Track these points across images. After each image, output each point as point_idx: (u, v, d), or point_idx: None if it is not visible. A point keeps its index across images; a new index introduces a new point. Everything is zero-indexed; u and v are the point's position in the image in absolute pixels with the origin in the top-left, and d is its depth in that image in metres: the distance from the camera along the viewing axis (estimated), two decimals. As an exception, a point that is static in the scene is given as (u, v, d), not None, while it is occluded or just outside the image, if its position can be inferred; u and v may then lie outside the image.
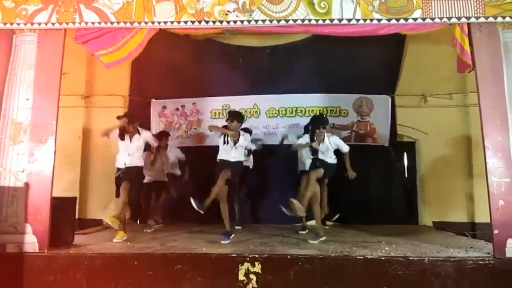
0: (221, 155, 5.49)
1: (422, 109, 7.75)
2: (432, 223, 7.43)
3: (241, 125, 5.63)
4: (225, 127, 5.59)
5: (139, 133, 5.80)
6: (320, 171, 5.47)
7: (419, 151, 7.94)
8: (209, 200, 5.20)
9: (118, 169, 5.79)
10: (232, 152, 5.45)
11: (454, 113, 7.63)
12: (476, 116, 4.92)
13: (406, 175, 7.89)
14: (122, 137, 5.71)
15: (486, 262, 4.31)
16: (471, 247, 4.94)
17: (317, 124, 5.60)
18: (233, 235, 5.40)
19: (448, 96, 7.68)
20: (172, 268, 4.40)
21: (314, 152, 5.61)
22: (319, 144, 5.55)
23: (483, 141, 4.70)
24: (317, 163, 5.55)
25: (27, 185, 4.76)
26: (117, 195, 5.81)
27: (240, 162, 5.56)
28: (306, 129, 6.04)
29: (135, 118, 5.89)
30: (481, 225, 6.52)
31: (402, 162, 7.90)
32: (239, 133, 5.53)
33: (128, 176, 5.61)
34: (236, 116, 5.52)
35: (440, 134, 7.62)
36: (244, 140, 5.56)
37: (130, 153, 5.70)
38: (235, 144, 5.46)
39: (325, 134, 5.60)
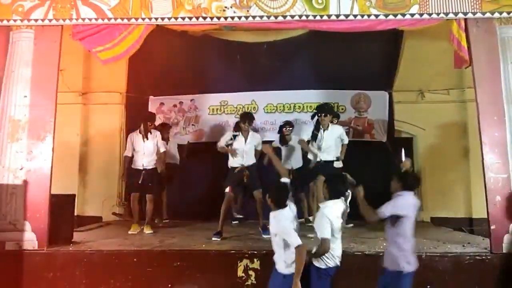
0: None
1: (419, 105, 7.76)
2: (430, 218, 7.46)
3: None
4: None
5: (150, 133, 6.01)
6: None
7: (416, 146, 7.96)
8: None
9: (137, 170, 5.95)
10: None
11: (451, 108, 7.64)
12: (474, 112, 4.94)
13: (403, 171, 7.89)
14: (146, 137, 5.97)
15: (483, 257, 4.35)
16: (468, 243, 4.97)
17: (319, 111, 5.91)
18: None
19: (446, 92, 7.68)
20: (171, 265, 4.42)
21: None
22: (324, 131, 5.86)
23: (480, 137, 4.72)
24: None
25: (25, 182, 4.76)
26: (130, 190, 6.14)
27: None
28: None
29: (152, 118, 6.32)
30: (478, 221, 6.55)
31: (399, 158, 7.92)
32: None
33: (152, 186, 5.96)
34: None
35: (437, 130, 7.63)
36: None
37: (146, 153, 5.94)
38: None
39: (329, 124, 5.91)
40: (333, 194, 3.59)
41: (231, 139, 5.82)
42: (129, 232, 5.82)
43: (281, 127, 6.78)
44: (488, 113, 4.74)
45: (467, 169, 7.41)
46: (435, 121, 7.65)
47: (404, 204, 3.46)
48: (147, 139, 5.95)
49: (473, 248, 4.69)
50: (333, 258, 3.49)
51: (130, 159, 6.03)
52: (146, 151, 5.94)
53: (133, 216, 6.12)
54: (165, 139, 6.77)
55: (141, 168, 5.93)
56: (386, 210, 3.43)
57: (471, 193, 7.28)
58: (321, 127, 5.90)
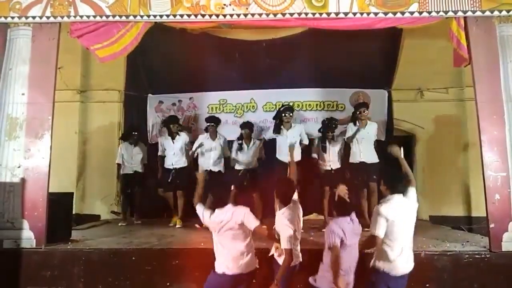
0: None
1: (418, 103, 7.76)
2: (429, 217, 7.46)
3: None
4: None
5: (178, 134, 6.60)
6: None
7: (415, 145, 7.96)
8: None
9: (166, 169, 6.51)
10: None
11: (450, 107, 7.64)
12: (473, 110, 4.94)
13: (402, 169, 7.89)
14: (173, 137, 6.56)
15: (482, 256, 4.35)
16: (467, 241, 4.97)
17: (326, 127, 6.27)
18: None
19: (445, 90, 7.68)
20: (170, 263, 4.41)
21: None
22: (330, 144, 6.21)
23: (479, 135, 4.72)
24: None
25: (23, 180, 4.75)
26: (165, 190, 6.57)
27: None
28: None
29: (176, 120, 6.83)
30: (477, 219, 6.55)
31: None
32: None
33: (181, 184, 6.36)
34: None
35: (436, 128, 7.63)
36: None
37: (175, 153, 6.50)
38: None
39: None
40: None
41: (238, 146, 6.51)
42: (177, 226, 6.32)
43: (279, 112, 6.35)
44: (487, 112, 4.74)
45: (466, 167, 7.42)
46: (434, 120, 7.65)
47: (333, 230, 3.29)
48: (174, 140, 6.57)
49: (472, 246, 4.69)
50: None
51: (163, 159, 6.66)
52: (175, 151, 6.53)
53: (175, 210, 6.58)
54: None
55: (171, 167, 6.49)
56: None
57: (470, 191, 7.29)
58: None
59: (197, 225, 5.78)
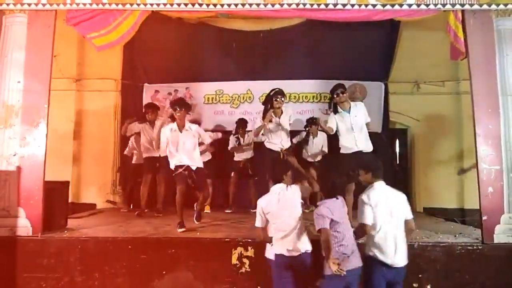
0: None
1: (414, 96, 7.77)
2: (423, 209, 7.53)
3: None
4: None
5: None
6: None
7: (411, 137, 8.00)
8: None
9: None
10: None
11: (446, 100, 7.66)
12: (468, 104, 4.96)
13: (397, 162, 7.96)
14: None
15: (475, 247, 4.41)
16: (460, 233, 5.03)
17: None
18: None
19: (441, 83, 7.70)
20: (166, 252, 4.44)
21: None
22: (313, 138, 6.81)
23: (474, 129, 4.75)
24: None
25: (19, 169, 4.73)
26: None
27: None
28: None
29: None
30: (470, 211, 6.62)
31: (394, 149, 7.96)
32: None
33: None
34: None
35: (432, 121, 7.66)
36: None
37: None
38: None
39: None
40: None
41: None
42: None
43: (270, 97, 5.46)
44: (483, 105, 4.76)
45: (460, 160, 7.47)
46: (429, 113, 7.68)
47: (321, 213, 3.44)
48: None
49: (465, 238, 4.75)
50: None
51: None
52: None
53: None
54: (151, 121, 6.46)
55: None
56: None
57: (464, 184, 7.35)
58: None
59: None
